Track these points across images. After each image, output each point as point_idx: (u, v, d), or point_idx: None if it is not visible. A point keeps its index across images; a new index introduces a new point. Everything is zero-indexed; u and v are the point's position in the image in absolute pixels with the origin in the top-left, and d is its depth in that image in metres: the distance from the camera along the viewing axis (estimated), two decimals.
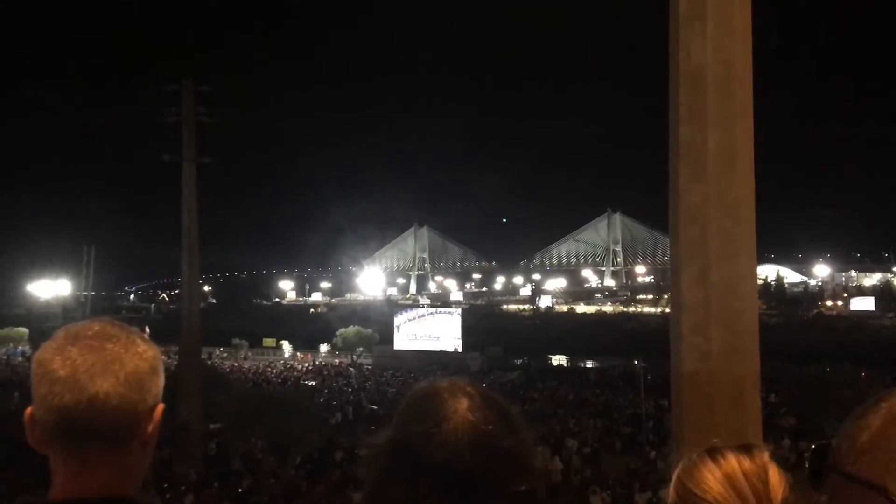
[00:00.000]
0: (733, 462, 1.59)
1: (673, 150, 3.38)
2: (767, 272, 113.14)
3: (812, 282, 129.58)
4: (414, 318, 66.00)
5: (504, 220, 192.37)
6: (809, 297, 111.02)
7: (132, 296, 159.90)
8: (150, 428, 1.30)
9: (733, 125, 3.29)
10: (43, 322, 68.32)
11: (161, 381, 1.33)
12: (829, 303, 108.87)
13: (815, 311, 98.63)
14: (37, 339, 60.09)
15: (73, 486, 1.25)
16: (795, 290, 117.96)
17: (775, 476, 1.57)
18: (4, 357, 55.10)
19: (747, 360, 3.23)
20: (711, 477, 1.57)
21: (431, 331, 63.60)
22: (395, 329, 64.93)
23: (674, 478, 1.63)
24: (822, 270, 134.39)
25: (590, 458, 19.59)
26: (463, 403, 1.16)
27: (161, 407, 1.33)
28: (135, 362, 1.27)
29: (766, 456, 1.61)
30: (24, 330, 61.71)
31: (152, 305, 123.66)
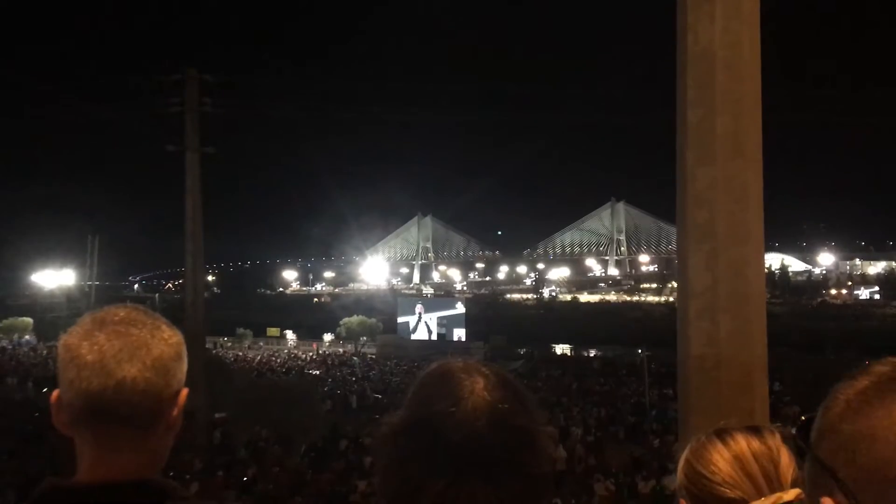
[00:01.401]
0: (742, 443, 1.57)
1: (680, 133, 3.35)
2: (772, 260, 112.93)
3: (816, 270, 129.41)
4: (416, 308, 66.11)
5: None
6: (814, 285, 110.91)
7: (136, 285, 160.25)
8: (175, 412, 1.33)
9: (741, 109, 3.26)
10: (47, 312, 68.59)
11: (185, 366, 1.36)
12: (833, 291, 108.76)
13: (820, 299, 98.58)
14: (41, 329, 60.38)
15: (99, 468, 1.27)
16: (800, 278, 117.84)
17: (786, 458, 1.55)
18: (10, 347, 55.24)
19: (755, 345, 3.21)
20: (720, 458, 1.56)
21: (435, 320, 63.72)
22: (400, 317, 65.10)
23: (682, 459, 1.62)
24: (826, 259, 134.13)
25: (593, 447, 19.64)
26: (479, 383, 1.15)
27: (185, 392, 1.35)
28: (161, 348, 1.30)
29: (777, 438, 1.60)
30: (28, 320, 61.85)
31: (156, 295, 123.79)
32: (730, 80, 3.24)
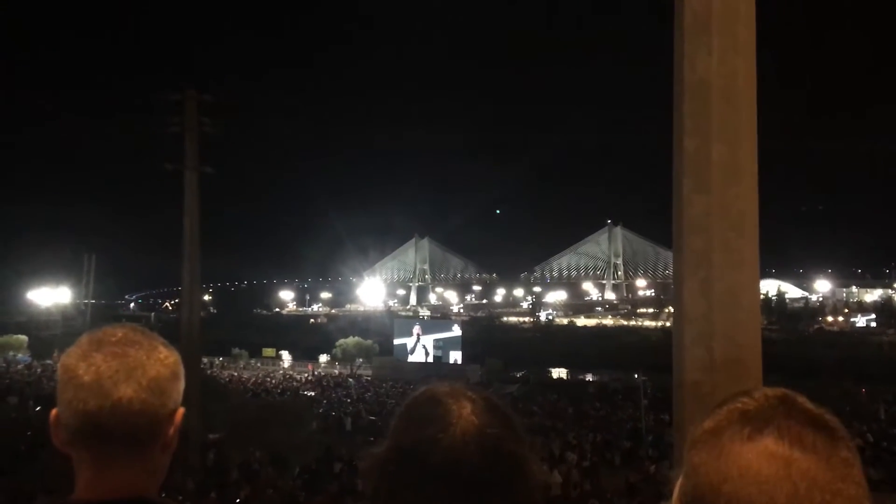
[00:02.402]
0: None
1: (677, 161, 3.40)
2: (768, 287, 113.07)
3: (813, 297, 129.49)
4: (414, 330, 66.01)
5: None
6: (810, 312, 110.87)
7: (132, 304, 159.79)
8: (171, 431, 1.35)
9: (738, 137, 3.31)
10: (43, 329, 68.31)
11: (181, 385, 1.38)
12: (829, 318, 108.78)
13: (816, 326, 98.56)
14: (36, 347, 60.12)
15: (95, 487, 1.29)
16: (796, 305, 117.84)
17: None
18: (4, 365, 54.96)
19: (750, 372, 3.23)
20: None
21: (432, 342, 63.59)
22: (396, 339, 64.95)
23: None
24: (822, 286, 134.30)
25: (589, 472, 19.53)
26: (466, 407, 1.15)
27: (181, 411, 1.37)
28: (157, 368, 1.32)
29: None
30: (23, 338, 61.61)
31: (152, 314, 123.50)
32: (726, 110, 3.30)
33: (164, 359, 1.34)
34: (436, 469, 1.09)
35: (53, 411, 1.31)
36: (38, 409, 25.42)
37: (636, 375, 38.62)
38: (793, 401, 0.95)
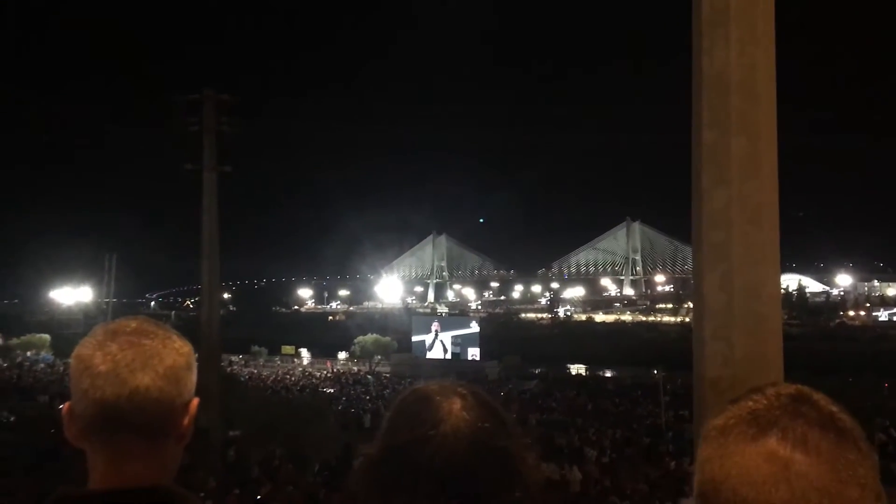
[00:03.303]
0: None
1: (695, 154, 3.37)
2: (789, 281, 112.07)
3: (834, 291, 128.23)
4: (433, 326, 66.11)
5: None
6: (831, 306, 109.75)
7: (153, 303, 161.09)
8: (186, 421, 1.35)
9: (757, 130, 3.28)
10: (65, 328, 69.04)
11: (195, 376, 1.38)
12: (851, 313, 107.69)
13: (838, 320, 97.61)
14: (59, 346, 60.75)
15: (111, 477, 1.29)
16: (817, 299, 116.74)
17: None
18: (27, 363, 55.61)
19: (771, 366, 3.20)
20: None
21: (449, 339, 63.64)
22: (414, 336, 65.09)
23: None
24: (844, 280, 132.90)
25: (608, 469, 19.47)
26: (456, 404, 1.14)
27: (196, 401, 1.37)
28: (172, 357, 1.32)
29: None
30: (46, 336, 62.25)
31: (173, 313, 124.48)
32: (745, 103, 3.27)
33: (179, 348, 1.34)
34: (428, 467, 1.07)
35: (66, 405, 1.32)
36: (60, 406, 25.68)
37: (655, 371, 38.42)
38: (805, 399, 0.94)
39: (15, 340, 61.32)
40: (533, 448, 1.17)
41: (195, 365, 1.39)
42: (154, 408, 1.27)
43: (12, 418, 26.67)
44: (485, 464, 1.09)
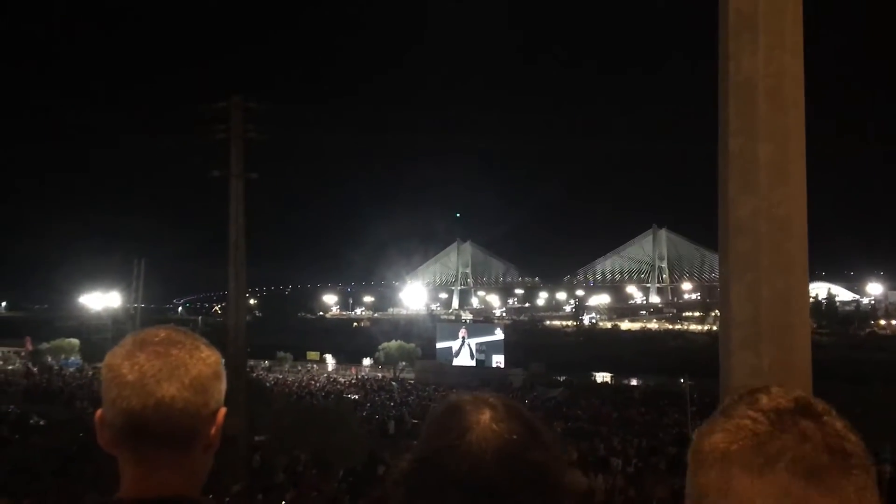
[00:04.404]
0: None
1: (722, 161, 3.34)
2: (818, 290, 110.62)
3: (864, 300, 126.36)
4: (460, 332, 66.09)
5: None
6: (861, 315, 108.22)
7: (180, 308, 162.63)
8: (213, 431, 1.36)
9: (785, 137, 3.23)
10: (94, 333, 69.86)
11: (223, 385, 1.38)
12: (882, 322, 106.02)
13: (868, 330, 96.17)
14: (87, 350, 61.50)
15: (139, 485, 1.31)
16: (847, 308, 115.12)
17: None
18: (57, 367, 56.36)
19: (799, 377, 3.15)
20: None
21: (474, 346, 63.55)
22: (438, 343, 65.10)
23: None
24: (875, 288, 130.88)
25: (634, 478, 19.30)
26: (486, 414, 1.13)
27: (223, 411, 1.38)
28: (199, 367, 1.33)
29: None
30: (75, 341, 63.06)
31: (199, 318, 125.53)
32: (773, 109, 3.22)
33: (206, 358, 1.35)
34: (454, 477, 1.07)
35: (98, 411, 1.34)
36: (89, 411, 26.02)
37: (682, 380, 38.04)
38: (806, 412, 0.89)
39: (45, 345, 62.16)
40: (572, 463, 1.15)
41: (223, 374, 1.39)
42: (180, 418, 1.28)
43: (42, 422, 27.06)
44: (514, 476, 1.08)
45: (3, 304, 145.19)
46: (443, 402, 1.22)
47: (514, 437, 1.11)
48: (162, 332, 1.36)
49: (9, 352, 64.98)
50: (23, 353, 62.87)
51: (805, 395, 0.93)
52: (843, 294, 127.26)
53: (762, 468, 0.85)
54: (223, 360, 1.41)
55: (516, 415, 1.16)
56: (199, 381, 1.32)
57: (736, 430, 0.89)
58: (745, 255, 3.18)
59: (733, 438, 0.89)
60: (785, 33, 3.27)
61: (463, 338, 64.54)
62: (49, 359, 59.79)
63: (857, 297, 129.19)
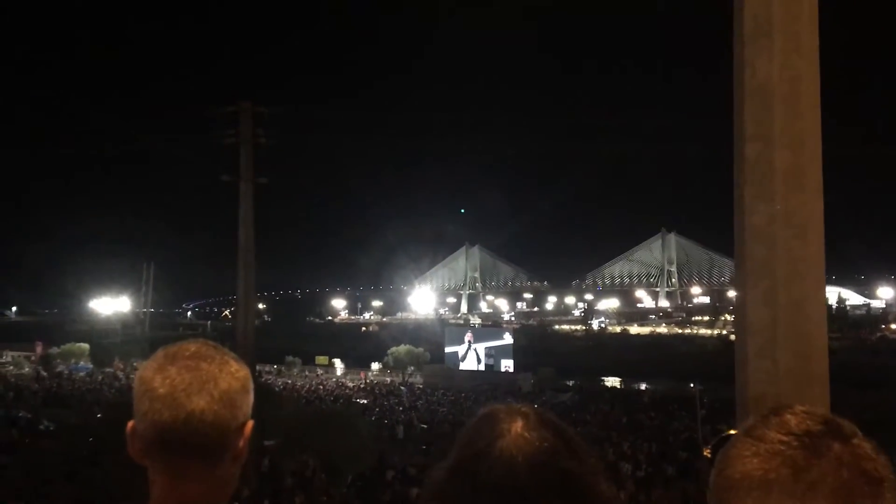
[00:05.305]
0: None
1: (738, 167, 3.32)
2: (829, 294, 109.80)
3: (875, 304, 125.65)
4: (466, 337, 66.07)
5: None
6: (872, 319, 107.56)
7: (189, 313, 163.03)
8: (241, 443, 1.40)
9: (801, 143, 3.21)
10: (103, 338, 70.19)
11: (251, 399, 1.43)
12: (893, 326, 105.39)
13: (879, 334, 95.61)
14: (98, 355, 61.75)
15: (168, 497, 1.35)
16: (858, 312, 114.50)
17: None
18: (67, 372, 56.57)
19: (817, 386, 3.13)
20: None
21: (483, 350, 63.53)
22: (447, 347, 65.08)
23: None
24: (885, 292, 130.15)
25: (644, 483, 19.23)
26: (518, 422, 1.14)
27: (251, 424, 1.42)
28: (228, 381, 1.37)
29: None
30: (85, 346, 63.30)
31: (209, 322, 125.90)
32: (789, 115, 3.21)
33: (235, 372, 1.39)
34: (486, 483, 1.07)
35: (130, 423, 1.37)
36: (98, 415, 26.09)
37: (692, 385, 37.94)
38: (837, 434, 0.88)
39: (55, 350, 62.44)
40: (606, 473, 1.15)
41: (251, 388, 1.44)
42: (209, 431, 1.32)
43: (52, 427, 27.15)
44: (545, 484, 1.08)
45: (14, 308, 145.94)
46: (480, 411, 1.23)
47: (546, 444, 1.11)
48: (192, 347, 1.40)
49: (19, 356, 65.24)
50: (33, 358, 63.15)
51: (832, 417, 0.92)
52: (854, 298, 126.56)
53: (804, 496, 0.84)
54: (250, 374, 1.45)
55: (549, 424, 1.16)
56: (229, 394, 1.36)
57: (770, 455, 0.88)
58: (762, 262, 3.17)
59: (769, 465, 0.87)
60: (800, 38, 3.25)
61: (469, 342, 64.53)
62: (59, 363, 59.99)
63: (868, 301, 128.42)
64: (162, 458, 1.33)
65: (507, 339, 65.59)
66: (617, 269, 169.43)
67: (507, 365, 61.99)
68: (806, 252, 3.18)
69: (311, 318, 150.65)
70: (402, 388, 53.81)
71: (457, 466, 1.13)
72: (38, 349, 64.05)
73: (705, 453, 1.02)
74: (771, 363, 3.11)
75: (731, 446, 0.93)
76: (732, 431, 0.98)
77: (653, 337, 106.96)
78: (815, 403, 3.15)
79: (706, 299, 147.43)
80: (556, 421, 1.18)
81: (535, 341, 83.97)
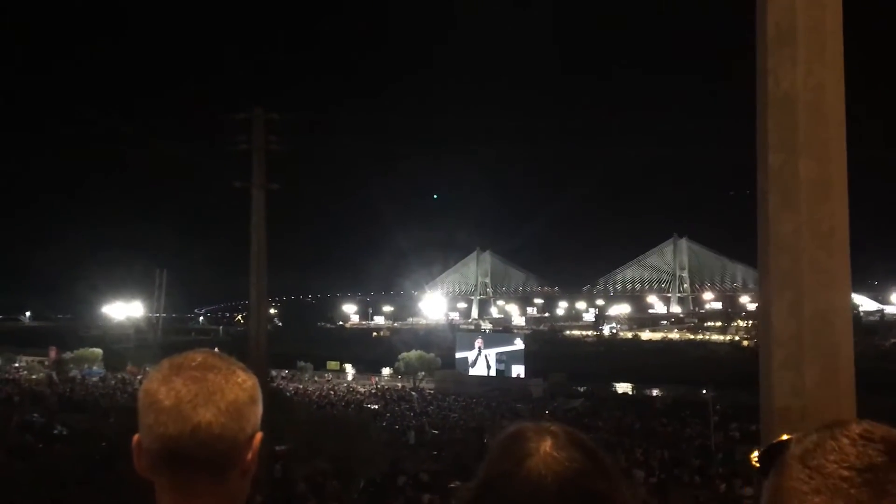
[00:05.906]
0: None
1: (761, 177, 3.29)
2: None
3: (889, 309, 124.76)
4: (476, 342, 66.01)
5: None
6: (887, 325, 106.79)
7: (201, 318, 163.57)
8: (250, 456, 1.35)
9: (826, 153, 3.19)
10: (116, 343, 70.54)
11: (259, 410, 1.37)
12: None
13: (893, 339, 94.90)
14: (110, 360, 62.08)
15: None
16: (871, 318, 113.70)
17: None
18: (79, 377, 56.87)
19: (843, 396, 3.10)
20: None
21: (494, 356, 63.42)
22: (458, 353, 65.03)
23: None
24: None
25: (657, 490, 19.14)
26: (547, 442, 1.13)
27: (260, 436, 1.37)
28: (235, 392, 1.32)
29: None
30: (98, 351, 63.67)
31: (221, 327, 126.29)
32: (813, 124, 3.18)
33: (243, 383, 1.34)
34: (514, 502, 1.07)
35: (136, 437, 1.32)
36: (111, 420, 26.19)
37: (704, 391, 37.71)
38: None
39: (69, 354, 62.81)
40: (635, 494, 1.15)
41: (260, 398, 1.38)
42: (216, 443, 1.27)
43: (65, 431, 27.28)
44: (571, 502, 1.07)
45: (28, 313, 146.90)
46: (507, 428, 1.23)
47: (576, 465, 1.11)
48: (199, 357, 1.35)
49: (33, 361, 65.69)
50: (47, 363, 63.57)
51: (891, 437, 0.85)
52: (867, 304, 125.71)
53: None
54: (258, 385, 1.40)
55: (578, 443, 1.16)
56: (236, 406, 1.31)
57: (831, 494, 0.81)
58: (787, 272, 3.13)
59: (844, 495, 0.81)
60: (824, 47, 3.22)
61: (479, 348, 64.44)
62: (72, 368, 60.33)
63: (882, 306, 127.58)
64: (168, 473, 1.29)
65: (518, 344, 65.48)
66: (628, 274, 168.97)
67: (518, 370, 61.85)
68: (831, 263, 3.15)
69: (322, 324, 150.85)
70: (413, 393, 53.78)
71: (485, 485, 1.12)
72: (52, 354, 64.47)
73: (752, 461, 0.97)
74: (796, 375, 3.08)
75: (785, 475, 0.86)
76: (785, 437, 0.92)
77: (665, 342, 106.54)
78: (842, 415, 3.12)
79: (718, 305, 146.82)
80: (585, 440, 1.18)
81: (546, 347, 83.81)
